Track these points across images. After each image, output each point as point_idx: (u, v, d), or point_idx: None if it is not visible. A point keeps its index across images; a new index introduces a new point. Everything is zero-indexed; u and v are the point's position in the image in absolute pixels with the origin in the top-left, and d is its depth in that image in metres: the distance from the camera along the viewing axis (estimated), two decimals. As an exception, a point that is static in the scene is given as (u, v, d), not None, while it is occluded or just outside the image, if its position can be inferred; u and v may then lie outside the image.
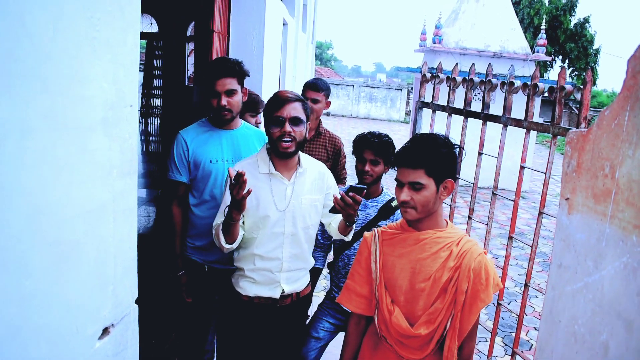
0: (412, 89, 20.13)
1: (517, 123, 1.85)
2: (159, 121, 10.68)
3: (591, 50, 21.16)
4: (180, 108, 7.53)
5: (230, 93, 2.49)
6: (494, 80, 1.93)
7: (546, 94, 1.72)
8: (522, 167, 1.93)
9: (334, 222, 2.41)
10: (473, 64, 2.06)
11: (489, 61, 11.47)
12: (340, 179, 3.34)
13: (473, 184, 2.15)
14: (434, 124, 2.29)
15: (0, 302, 0.95)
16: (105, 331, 1.32)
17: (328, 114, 25.15)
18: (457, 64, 2.20)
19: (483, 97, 1.98)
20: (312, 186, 2.34)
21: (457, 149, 1.93)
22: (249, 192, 1.96)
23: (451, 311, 1.85)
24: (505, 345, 4.81)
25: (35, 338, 1.07)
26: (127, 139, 1.34)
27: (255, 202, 2.21)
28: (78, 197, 1.16)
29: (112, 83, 1.25)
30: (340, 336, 2.18)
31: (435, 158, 1.80)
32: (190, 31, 7.93)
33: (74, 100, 1.11)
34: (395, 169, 1.93)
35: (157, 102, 10.84)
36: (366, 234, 2.09)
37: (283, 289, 2.32)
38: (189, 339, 2.82)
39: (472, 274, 1.81)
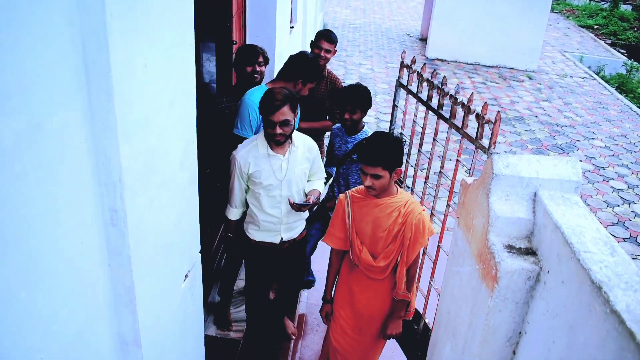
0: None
1: (457, 129, 2.57)
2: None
3: None
4: None
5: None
6: (446, 89, 2.61)
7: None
8: (457, 161, 2.67)
9: (311, 184, 3.14)
10: (444, 77, 2.70)
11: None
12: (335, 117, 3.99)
13: (414, 166, 2.94)
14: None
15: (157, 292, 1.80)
16: (186, 276, 2.23)
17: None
18: (424, 64, 2.85)
19: (439, 99, 2.68)
20: (303, 158, 2.97)
21: (404, 141, 2.73)
22: None
23: (400, 250, 2.72)
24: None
25: (161, 289, 1.94)
26: (190, 166, 2.12)
27: (258, 175, 2.86)
28: (174, 221, 1.98)
29: (184, 142, 2.00)
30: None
31: (389, 157, 2.54)
32: None
33: (167, 184, 1.88)
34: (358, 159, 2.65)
35: None
36: (340, 196, 2.88)
37: (282, 237, 3.09)
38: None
39: (414, 227, 2.65)
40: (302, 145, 2.98)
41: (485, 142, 2.39)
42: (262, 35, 4.91)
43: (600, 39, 17.53)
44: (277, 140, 2.81)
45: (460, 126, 2.50)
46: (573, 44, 16.25)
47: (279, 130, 2.74)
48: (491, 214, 1.66)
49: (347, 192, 2.88)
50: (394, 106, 3.28)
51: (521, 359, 1.67)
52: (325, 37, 3.87)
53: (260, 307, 3.36)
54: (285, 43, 5.68)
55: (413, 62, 2.92)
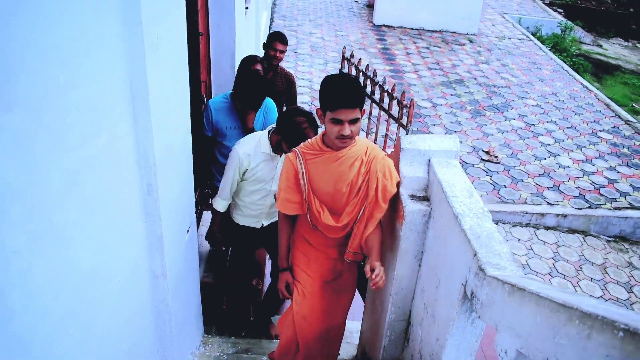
0: None
1: (385, 111, 3.39)
2: None
3: None
4: None
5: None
6: (376, 79, 3.41)
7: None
8: (386, 135, 3.49)
9: None
10: (374, 70, 3.51)
11: None
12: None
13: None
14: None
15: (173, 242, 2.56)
16: (188, 230, 3.00)
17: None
18: (360, 59, 3.64)
19: (371, 87, 3.49)
20: None
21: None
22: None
23: (363, 203, 2.54)
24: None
25: (176, 239, 2.69)
26: (187, 149, 2.87)
27: (255, 171, 3.09)
28: (180, 189, 2.74)
29: (182, 131, 2.74)
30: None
31: (363, 97, 2.32)
32: None
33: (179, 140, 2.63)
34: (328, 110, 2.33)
35: None
36: (289, 156, 2.57)
37: (263, 224, 3.39)
38: None
39: (380, 174, 2.48)
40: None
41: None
42: (223, 24, 5.52)
43: (538, -1, 18.43)
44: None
45: (386, 108, 3.31)
46: (513, 5, 17.07)
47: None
48: (401, 175, 2.50)
49: (296, 149, 2.58)
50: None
51: (423, 268, 2.55)
52: (280, 39, 4.42)
53: (244, 267, 3.73)
54: (243, 26, 6.30)
55: (352, 55, 3.70)
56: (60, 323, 1.60)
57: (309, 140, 2.58)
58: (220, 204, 3.27)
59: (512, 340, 1.55)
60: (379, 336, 2.90)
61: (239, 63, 3.81)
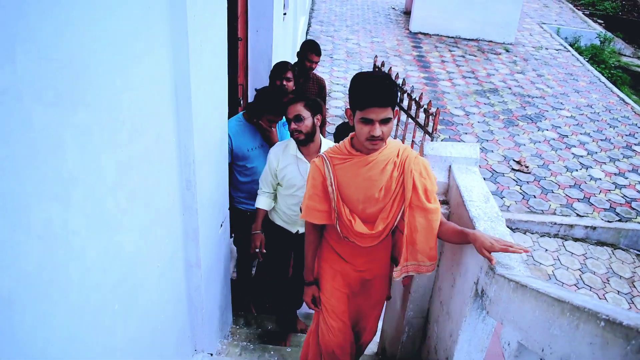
0: None
1: (412, 118, 3.54)
2: None
3: None
4: None
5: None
6: (405, 87, 3.57)
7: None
8: (413, 142, 3.63)
9: None
10: (404, 79, 3.67)
11: None
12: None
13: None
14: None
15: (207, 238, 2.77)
16: (221, 225, 3.20)
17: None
18: (390, 67, 3.80)
19: (400, 95, 3.63)
20: None
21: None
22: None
23: (401, 206, 2.34)
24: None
25: (210, 232, 2.90)
26: (223, 147, 3.07)
27: (283, 174, 3.13)
28: (215, 186, 2.95)
29: (220, 131, 2.95)
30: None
31: (396, 95, 2.14)
32: None
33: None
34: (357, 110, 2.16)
35: None
36: (315, 161, 2.41)
37: (298, 230, 3.38)
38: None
39: (416, 174, 2.30)
40: None
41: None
42: (262, 29, 5.76)
43: (578, 9, 18.20)
44: (297, 138, 3.02)
45: (414, 116, 3.46)
46: (552, 15, 16.89)
47: (293, 126, 2.97)
48: (422, 179, 2.66)
49: (322, 154, 2.44)
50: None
51: (441, 268, 2.70)
52: (315, 51, 4.57)
53: (274, 267, 3.71)
54: (280, 32, 6.51)
55: (382, 64, 3.87)
56: (107, 297, 1.81)
57: (337, 144, 2.45)
58: (259, 199, 3.33)
59: (515, 333, 1.69)
60: (398, 332, 3.05)
61: (271, 69, 3.99)
